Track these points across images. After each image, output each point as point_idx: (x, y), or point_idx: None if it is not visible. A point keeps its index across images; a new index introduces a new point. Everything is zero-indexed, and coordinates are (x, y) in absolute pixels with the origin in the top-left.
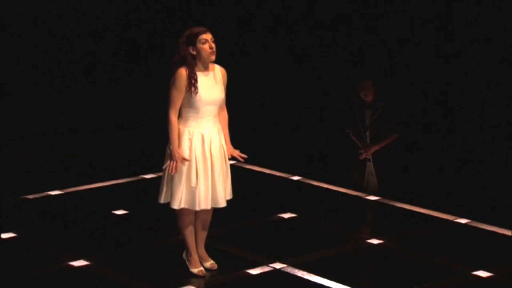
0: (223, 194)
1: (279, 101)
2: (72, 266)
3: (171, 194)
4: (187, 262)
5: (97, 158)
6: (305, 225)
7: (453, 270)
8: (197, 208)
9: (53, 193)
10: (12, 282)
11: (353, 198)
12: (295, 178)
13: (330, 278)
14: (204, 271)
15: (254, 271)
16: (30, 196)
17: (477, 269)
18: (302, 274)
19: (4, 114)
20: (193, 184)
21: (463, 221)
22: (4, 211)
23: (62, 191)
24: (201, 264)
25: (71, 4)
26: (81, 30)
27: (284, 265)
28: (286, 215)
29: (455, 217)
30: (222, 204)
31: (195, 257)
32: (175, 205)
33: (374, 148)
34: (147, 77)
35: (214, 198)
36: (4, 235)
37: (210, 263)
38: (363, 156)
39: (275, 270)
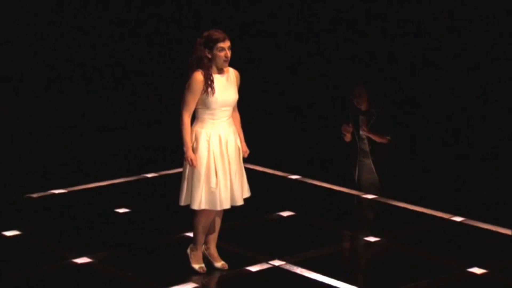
0: (240, 192)
1: (279, 100)
2: (75, 263)
3: (191, 195)
4: (189, 257)
5: (99, 157)
6: (304, 223)
7: (449, 267)
8: (219, 208)
9: (56, 191)
10: (16, 280)
11: (351, 196)
12: (294, 177)
13: (328, 275)
14: (205, 268)
15: (253, 268)
16: (34, 195)
17: (471, 266)
18: (301, 271)
19: (8, 112)
20: (213, 185)
21: (458, 219)
22: (9, 209)
23: (65, 189)
24: (212, 264)
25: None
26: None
27: (283, 263)
28: (285, 214)
29: (451, 215)
30: (240, 202)
31: (199, 253)
32: (195, 206)
33: (368, 132)
34: (152, 77)
35: (231, 197)
36: (9, 233)
37: (221, 263)
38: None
39: (274, 267)
